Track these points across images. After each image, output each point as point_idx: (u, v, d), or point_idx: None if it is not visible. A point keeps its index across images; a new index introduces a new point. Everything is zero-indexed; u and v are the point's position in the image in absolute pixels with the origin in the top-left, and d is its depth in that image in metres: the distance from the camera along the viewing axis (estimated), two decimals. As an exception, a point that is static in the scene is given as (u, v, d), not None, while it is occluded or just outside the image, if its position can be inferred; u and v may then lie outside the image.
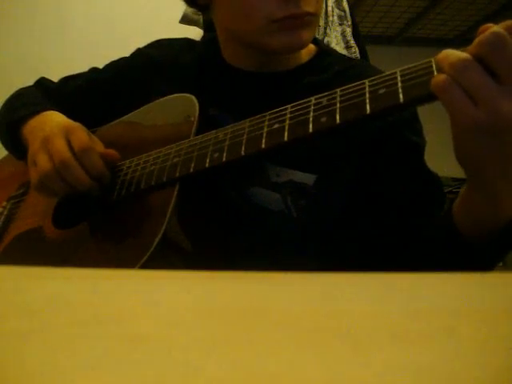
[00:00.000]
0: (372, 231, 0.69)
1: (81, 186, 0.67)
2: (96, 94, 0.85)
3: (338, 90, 0.54)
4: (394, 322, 0.19)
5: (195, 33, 1.63)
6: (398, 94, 0.49)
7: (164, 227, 0.59)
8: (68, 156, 0.66)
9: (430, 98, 0.48)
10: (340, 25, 1.54)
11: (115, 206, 0.69)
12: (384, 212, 0.67)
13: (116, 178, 0.69)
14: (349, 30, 1.54)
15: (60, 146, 0.66)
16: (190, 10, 1.63)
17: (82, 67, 0.91)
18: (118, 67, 0.86)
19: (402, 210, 0.66)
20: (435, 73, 0.48)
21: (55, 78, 0.92)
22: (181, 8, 1.66)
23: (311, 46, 0.78)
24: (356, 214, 0.70)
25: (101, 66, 0.89)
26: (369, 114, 0.50)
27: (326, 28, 1.51)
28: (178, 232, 0.63)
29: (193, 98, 0.70)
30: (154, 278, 0.31)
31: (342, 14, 1.56)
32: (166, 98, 0.74)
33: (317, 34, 1.48)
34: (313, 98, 0.56)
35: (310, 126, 0.54)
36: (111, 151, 0.71)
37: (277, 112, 0.58)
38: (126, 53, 0.88)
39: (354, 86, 0.53)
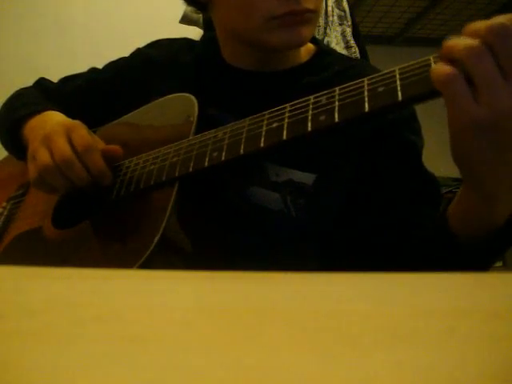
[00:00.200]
0: (371, 230, 0.69)
1: (81, 182, 0.66)
2: (95, 94, 0.85)
3: (337, 88, 0.54)
4: (393, 322, 0.19)
5: (195, 33, 1.63)
6: (396, 91, 0.49)
7: (163, 226, 0.59)
8: (69, 153, 0.66)
9: (428, 95, 0.48)
10: (340, 25, 1.54)
11: (114, 205, 0.69)
12: (382, 211, 0.67)
13: (115, 178, 0.70)
14: (349, 30, 1.54)
15: (61, 143, 0.66)
16: (190, 10, 1.63)
17: (81, 67, 0.91)
18: (117, 67, 0.86)
19: (399, 210, 0.66)
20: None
21: (55, 78, 0.92)
22: (181, 8, 1.66)
23: (311, 46, 0.78)
24: (355, 213, 0.70)
25: (100, 66, 0.89)
26: (367, 112, 0.50)
27: (326, 28, 1.51)
28: (177, 231, 0.63)
29: (192, 97, 0.70)
30: (153, 278, 0.31)
31: (342, 14, 1.56)
32: (165, 97, 0.74)
33: (317, 33, 1.48)
34: (312, 97, 0.56)
35: (309, 124, 0.54)
36: (114, 147, 0.70)
37: (276, 111, 0.58)
38: (126, 53, 0.88)
39: (352, 85, 0.53)
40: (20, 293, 0.24)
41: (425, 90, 0.47)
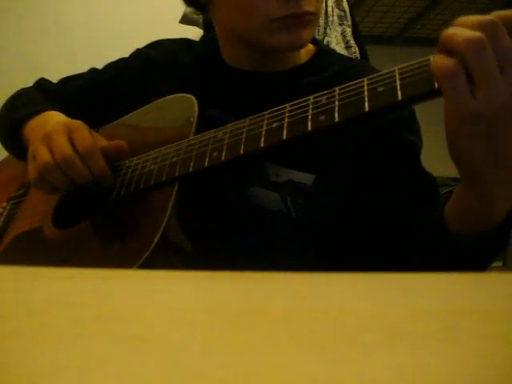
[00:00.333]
0: (370, 230, 0.69)
1: (82, 180, 0.66)
2: (96, 95, 0.85)
3: (337, 88, 0.54)
4: (393, 322, 0.19)
5: (195, 33, 1.63)
6: (396, 91, 0.49)
7: (163, 226, 0.59)
8: (70, 152, 0.65)
9: (428, 95, 0.48)
10: (340, 25, 1.54)
11: (115, 205, 0.69)
12: (381, 211, 0.67)
13: (115, 178, 0.70)
14: (349, 30, 1.54)
15: (61, 142, 0.66)
16: (190, 10, 1.63)
17: (81, 68, 0.91)
18: (117, 68, 0.86)
19: (398, 210, 0.66)
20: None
21: (55, 78, 0.92)
22: (181, 8, 1.66)
23: (310, 46, 0.78)
24: (355, 213, 0.70)
25: (100, 67, 0.89)
26: (367, 111, 0.50)
27: (326, 28, 1.51)
28: (177, 232, 0.63)
29: (192, 98, 0.70)
30: (154, 278, 0.31)
31: (342, 14, 1.56)
32: (165, 98, 0.74)
33: (317, 33, 1.48)
34: (311, 97, 0.56)
35: (309, 124, 0.54)
36: (119, 142, 0.70)
37: (276, 111, 0.58)
38: (126, 53, 0.88)
39: (352, 85, 0.53)
40: (20, 293, 0.24)
41: (424, 89, 0.47)
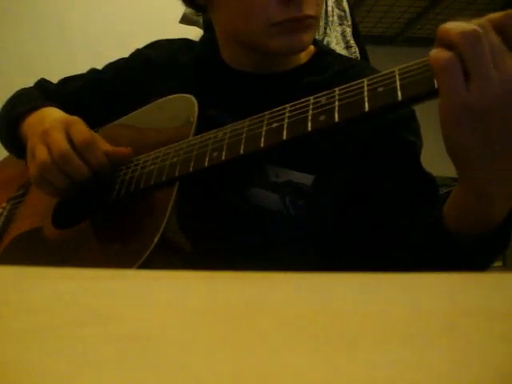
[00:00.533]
0: (370, 230, 0.69)
1: (79, 175, 0.66)
2: (95, 95, 0.85)
3: (337, 89, 0.54)
4: (394, 322, 0.19)
5: (195, 33, 1.63)
6: (396, 91, 0.49)
7: (163, 227, 0.59)
8: (66, 147, 0.65)
9: (428, 95, 0.48)
10: (340, 25, 1.54)
11: (114, 205, 0.69)
12: (381, 211, 0.67)
13: (115, 178, 0.70)
14: (349, 30, 1.54)
15: (58, 138, 0.66)
16: (190, 10, 1.63)
17: (81, 68, 0.91)
18: (117, 68, 0.86)
19: (397, 210, 0.66)
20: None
21: (55, 79, 0.92)
22: (181, 8, 1.66)
23: (310, 47, 0.78)
24: (354, 213, 0.70)
25: (100, 67, 0.89)
26: (367, 112, 0.50)
27: (326, 28, 1.51)
28: (177, 232, 0.63)
29: (192, 98, 0.70)
30: (153, 278, 0.31)
31: (342, 14, 1.56)
32: (165, 98, 0.74)
33: (317, 33, 1.48)
34: (311, 98, 0.56)
35: (309, 124, 0.54)
36: (123, 149, 0.70)
37: (276, 111, 0.58)
38: (126, 53, 0.88)
39: (352, 85, 0.53)
40: (20, 293, 0.24)
41: (425, 89, 0.47)
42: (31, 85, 0.91)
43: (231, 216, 0.70)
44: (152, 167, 0.66)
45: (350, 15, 1.57)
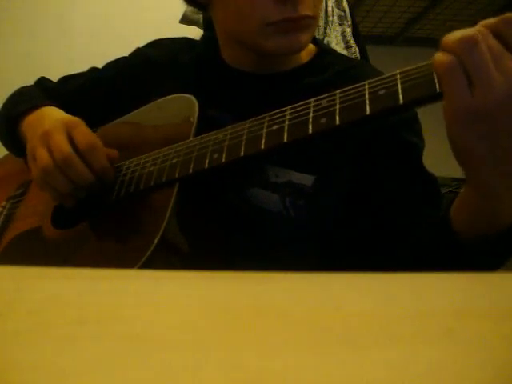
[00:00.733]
0: (371, 231, 0.69)
1: (82, 180, 0.66)
2: (96, 94, 0.85)
3: (338, 91, 0.54)
4: (394, 322, 0.19)
5: (195, 33, 1.63)
6: (397, 95, 0.49)
7: (163, 228, 0.59)
8: (68, 151, 0.65)
9: (430, 99, 0.48)
10: (340, 25, 1.54)
11: (114, 206, 0.68)
12: (382, 212, 0.67)
13: (115, 179, 0.69)
14: (349, 30, 1.54)
15: (60, 141, 0.66)
16: (190, 10, 1.63)
17: (81, 67, 0.91)
18: (117, 67, 0.86)
19: (399, 210, 0.66)
20: (436, 78, 0.47)
21: (55, 78, 0.92)
22: (181, 8, 1.66)
23: (311, 46, 0.78)
24: (355, 214, 0.70)
25: (101, 66, 0.89)
26: (368, 114, 0.50)
27: (326, 28, 1.51)
28: (177, 233, 0.63)
29: (192, 98, 0.70)
30: (153, 278, 0.31)
31: (342, 14, 1.56)
32: (165, 98, 0.74)
33: (317, 33, 1.48)
34: (312, 100, 0.56)
35: (310, 126, 0.54)
36: (111, 150, 0.70)
37: (276, 113, 0.58)
38: (126, 53, 0.88)
39: (353, 88, 0.53)
40: (20, 292, 0.24)
41: (426, 93, 0.47)
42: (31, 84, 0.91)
43: (231, 217, 0.70)
44: (152, 168, 0.66)
45: (350, 15, 1.57)
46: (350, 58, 1.04)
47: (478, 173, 0.48)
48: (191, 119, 0.68)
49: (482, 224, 0.52)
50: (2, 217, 0.83)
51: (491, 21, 0.46)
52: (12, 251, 0.77)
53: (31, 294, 0.24)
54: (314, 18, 0.67)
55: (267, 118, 0.58)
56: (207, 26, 0.92)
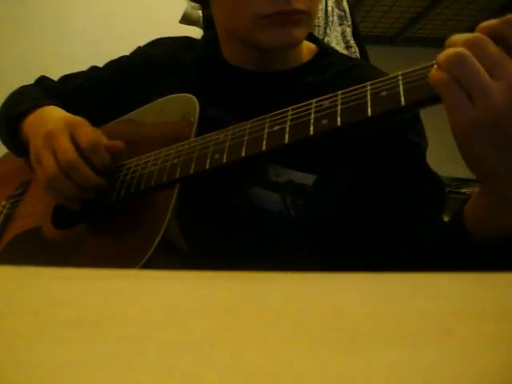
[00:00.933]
0: (372, 231, 0.69)
1: (87, 182, 0.66)
2: (96, 93, 0.85)
3: (340, 92, 0.54)
4: (394, 322, 0.19)
5: (195, 33, 1.63)
6: (399, 96, 0.49)
7: (164, 228, 0.59)
8: (73, 156, 0.65)
9: (432, 100, 0.48)
10: (340, 25, 1.54)
11: (115, 206, 0.68)
12: (385, 212, 0.67)
13: (116, 179, 0.69)
14: (349, 30, 1.54)
15: (64, 143, 0.65)
16: (191, 7, 1.63)
17: (81, 67, 0.91)
18: (118, 66, 0.86)
19: (402, 211, 0.66)
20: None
21: (55, 78, 0.92)
22: (181, 8, 1.66)
23: (312, 46, 0.78)
24: (356, 214, 0.70)
25: (101, 66, 0.89)
26: (370, 116, 0.50)
27: (326, 28, 1.51)
28: (177, 233, 0.63)
29: (193, 98, 0.70)
30: (153, 278, 0.31)
31: (342, 14, 1.56)
32: (166, 97, 0.74)
33: (317, 33, 1.48)
34: (314, 101, 0.56)
35: (311, 128, 0.54)
36: (116, 142, 0.69)
37: (278, 114, 0.58)
38: (126, 52, 0.88)
39: (355, 89, 0.53)
40: (20, 293, 0.24)
41: (428, 95, 0.47)
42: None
43: (232, 216, 0.70)
44: (153, 168, 0.66)
45: (350, 15, 1.57)
46: (351, 58, 1.04)
47: (490, 178, 0.48)
48: (192, 119, 0.68)
49: (496, 225, 0.51)
50: (2, 216, 0.83)
51: (491, 23, 0.46)
52: (12, 251, 0.77)
53: (31, 293, 0.24)
54: (308, 13, 0.66)
55: (268, 119, 0.58)
56: (207, 25, 0.92)
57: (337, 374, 0.14)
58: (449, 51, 0.46)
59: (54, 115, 0.74)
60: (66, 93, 0.86)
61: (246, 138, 0.59)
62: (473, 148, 0.47)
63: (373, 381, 0.14)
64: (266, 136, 0.57)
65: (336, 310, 0.21)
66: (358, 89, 0.53)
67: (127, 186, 0.67)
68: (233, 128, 0.61)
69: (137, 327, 0.19)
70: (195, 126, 0.67)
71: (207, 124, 0.66)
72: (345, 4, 1.57)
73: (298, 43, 0.70)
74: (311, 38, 0.79)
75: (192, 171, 0.61)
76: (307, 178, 0.67)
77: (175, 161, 0.63)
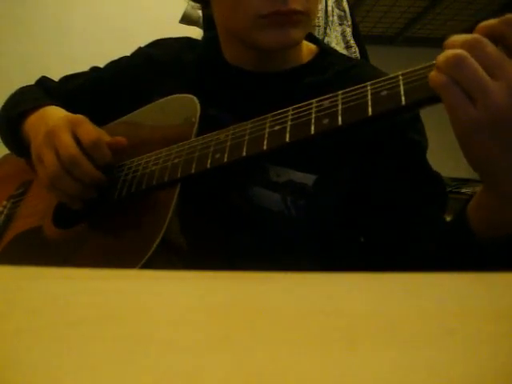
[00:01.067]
0: (373, 231, 0.68)
1: (89, 178, 0.66)
2: (97, 93, 0.85)
3: (340, 92, 0.54)
4: (394, 322, 0.19)
5: (195, 33, 1.63)
6: (400, 96, 0.49)
7: (165, 228, 0.59)
8: (75, 151, 0.65)
9: (432, 100, 0.48)
10: (340, 25, 1.54)
11: (116, 206, 0.68)
12: (385, 211, 0.67)
13: (117, 178, 0.69)
14: (349, 30, 1.54)
15: (66, 140, 0.65)
16: (191, 7, 1.63)
17: (82, 68, 0.91)
18: (119, 66, 0.86)
19: (403, 210, 0.66)
20: None
21: (55, 78, 0.92)
22: (181, 8, 1.66)
23: (312, 46, 0.78)
24: (356, 213, 0.70)
25: (100, 66, 0.89)
26: (370, 116, 0.50)
27: (326, 28, 1.51)
28: (178, 233, 0.63)
29: (194, 98, 0.70)
30: (154, 278, 0.31)
31: (342, 14, 1.56)
32: (167, 98, 0.74)
33: (317, 33, 1.48)
34: (314, 101, 0.56)
35: (312, 127, 0.54)
36: (118, 138, 0.69)
37: (278, 114, 0.58)
38: (126, 53, 0.88)
39: (356, 89, 0.53)
40: (20, 293, 0.24)
41: (429, 94, 0.47)
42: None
43: (232, 216, 0.70)
44: (154, 168, 0.66)
45: (350, 15, 1.57)
46: (351, 58, 1.04)
47: (494, 179, 0.48)
48: (193, 119, 0.68)
49: (499, 223, 0.51)
50: (3, 216, 0.83)
51: (491, 22, 0.46)
52: (12, 251, 0.77)
53: (31, 293, 0.24)
54: (306, 14, 0.66)
55: (269, 119, 0.58)
56: (207, 26, 0.92)
57: (337, 373, 0.14)
58: (447, 53, 0.46)
59: (55, 115, 0.74)
60: (67, 93, 0.86)
61: (246, 137, 0.59)
62: (475, 147, 0.47)
63: (373, 381, 0.14)
64: (266, 135, 0.57)
65: (336, 310, 0.21)
66: (358, 89, 0.53)
67: (128, 185, 0.67)
68: (233, 128, 0.61)
69: (137, 327, 0.19)
70: (196, 126, 0.67)
71: (208, 124, 0.66)
72: (345, 4, 1.57)
73: (297, 44, 0.70)
74: (311, 38, 0.80)
75: (193, 171, 0.61)
76: (307, 178, 0.67)
77: (176, 160, 0.63)
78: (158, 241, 0.58)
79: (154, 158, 0.67)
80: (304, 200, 0.67)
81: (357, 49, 1.52)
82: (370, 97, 0.51)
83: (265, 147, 0.56)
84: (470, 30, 0.48)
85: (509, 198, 0.49)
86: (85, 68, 0.91)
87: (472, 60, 0.45)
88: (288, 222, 0.68)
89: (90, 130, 0.67)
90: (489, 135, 0.45)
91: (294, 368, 0.14)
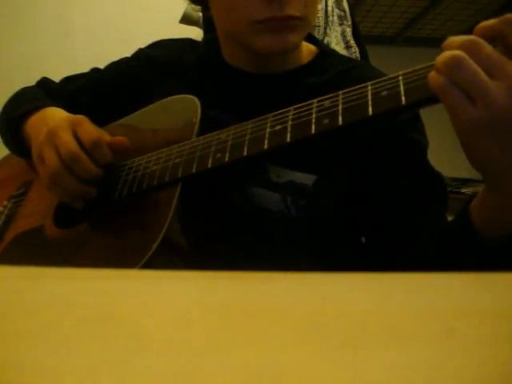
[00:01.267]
0: (373, 231, 0.68)
1: (89, 176, 0.66)
2: (98, 94, 0.85)
3: (341, 92, 0.54)
4: (394, 322, 0.19)
5: (195, 33, 1.63)
6: (400, 96, 0.49)
7: (165, 227, 0.59)
8: (75, 148, 0.65)
9: (432, 100, 0.48)
10: (340, 25, 1.54)
11: (116, 205, 0.68)
12: (385, 211, 0.67)
13: (118, 178, 0.69)
14: (349, 30, 1.54)
15: (66, 138, 0.66)
16: (191, 7, 1.63)
17: (82, 68, 0.91)
18: (119, 67, 0.86)
19: (403, 210, 0.66)
20: None
21: (56, 79, 0.92)
22: (181, 8, 1.66)
23: (312, 47, 0.78)
24: (356, 213, 0.70)
25: (100, 66, 0.89)
26: (371, 115, 0.50)
27: (326, 28, 1.51)
28: (178, 232, 0.63)
29: (195, 99, 0.70)
30: (154, 278, 0.31)
31: (342, 14, 1.56)
32: (168, 99, 0.74)
33: (317, 34, 1.48)
34: (315, 101, 0.56)
35: (313, 127, 0.54)
36: (119, 138, 0.69)
37: (279, 114, 0.58)
38: (127, 53, 0.88)
39: (356, 89, 0.53)
40: (20, 293, 0.24)
41: (429, 94, 0.47)
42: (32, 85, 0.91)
43: (233, 216, 0.70)
44: (155, 168, 0.66)
45: (350, 15, 1.57)
46: (351, 59, 1.04)
47: (495, 178, 0.48)
48: (194, 120, 0.68)
49: (501, 222, 0.51)
50: (4, 216, 0.83)
51: (490, 22, 0.46)
52: (13, 250, 0.77)
53: (31, 293, 0.24)
54: (303, 19, 0.66)
55: (270, 119, 0.58)
56: (207, 27, 0.92)
57: (337, 373, 0.14)
58: (446, 54, 0.46)
59: (55, 116, 0.74)
60: (68, 94, 0.86)
61: (247, 137, 0.59)
62: (476, 147, 0.47)
63: (373, 381, 0.14)
64: (267, 135, 0.57)
65: (336, 310, 0.21)
66: (358, 89, 0.53)
67: (129, 185, 0.67)
68: (234, 128, 0.61)
69: (137, 327, 0.19)
70: (197, 126, 0.67)
71: (208, 125, 0.66)
72: (345, 4, 1.57)
73: (295, 48, 0.70)
74: (311, 39, 0.80)
75: (194, 170, 0.61)
76: (307, 179, 0.67)
77: (177, 160, 0.64)
78: (158, 241, 0.58)
79: (154, 157, 0.67)
80: (304, 200, 0.67)
81: (357, 49, 1.52)
82: (370, 97, 0.51)
83: (266, 147, 0.56)
84: (470, 30, 0.48)
85: (509, 198, 0.49)
86: (85, 68, 0.91)
87: (470, 61, 0.45)
88: (288, 222, 0.68)
89: (90, 130, 0.67)
90: (489, 135, 0.45)
91: (293, 368, 0.14)
